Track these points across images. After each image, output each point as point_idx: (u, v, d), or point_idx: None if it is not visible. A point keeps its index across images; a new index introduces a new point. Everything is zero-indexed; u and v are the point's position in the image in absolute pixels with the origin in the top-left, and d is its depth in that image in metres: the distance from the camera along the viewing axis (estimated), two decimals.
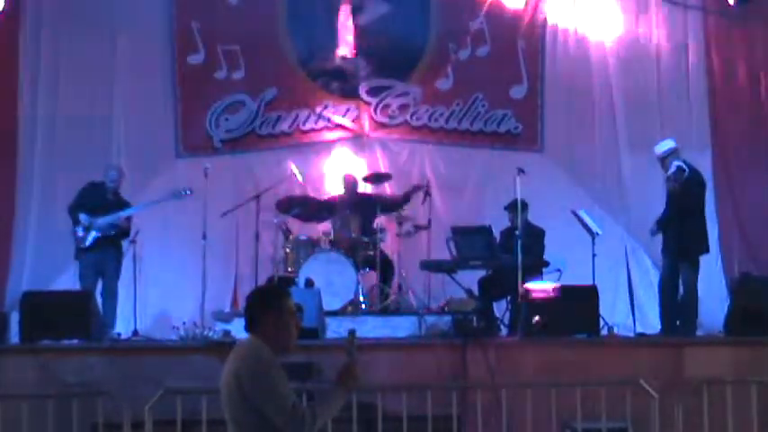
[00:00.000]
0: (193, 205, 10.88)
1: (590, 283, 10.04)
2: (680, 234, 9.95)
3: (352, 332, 4.79)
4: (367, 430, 7.49)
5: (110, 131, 12.16)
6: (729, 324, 9.83)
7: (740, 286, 10.50)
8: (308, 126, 12.54)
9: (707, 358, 8.99)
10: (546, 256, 10.81)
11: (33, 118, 11.94)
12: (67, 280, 11.22)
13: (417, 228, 11.51)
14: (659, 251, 10.43)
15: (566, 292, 9.89)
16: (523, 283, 9.91)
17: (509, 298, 10.62)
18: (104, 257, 10.53)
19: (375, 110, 12.59)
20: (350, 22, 12.56)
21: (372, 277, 11.22)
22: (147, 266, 11.21)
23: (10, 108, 11.81)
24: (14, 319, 9.76)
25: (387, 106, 12.60)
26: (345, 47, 12.56)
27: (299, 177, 11.56)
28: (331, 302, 10.38)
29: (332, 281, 10.61)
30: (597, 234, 10.83)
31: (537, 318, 9.24)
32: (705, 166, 11.25)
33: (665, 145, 10.30)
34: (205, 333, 9.50)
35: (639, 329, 10.76)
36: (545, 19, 12.57)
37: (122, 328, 10.58)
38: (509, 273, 10.17)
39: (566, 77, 12.53)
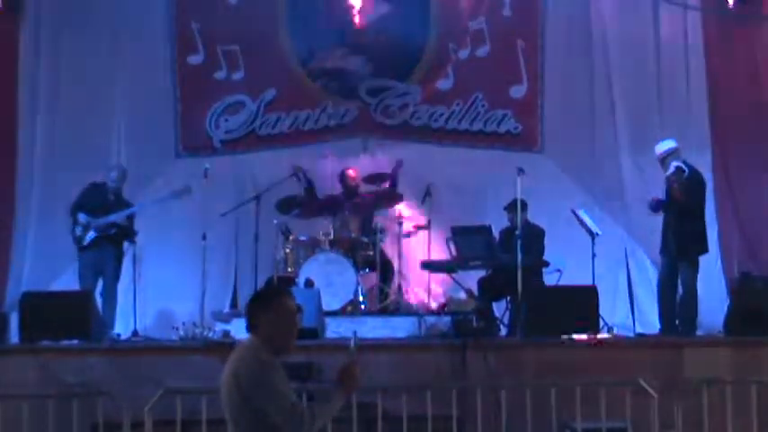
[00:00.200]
0: (193, 206, 10.88)
1: (590, 283, 10.05)
2: (679, 234, 9.95)
3: (355, 334, 4.81)
4: (367, 430, 7.49)
5: (109, 132, 12.16)
6: (729, 324, 9.83)
7: (740, 286, 10.51)
8: (308, 127, 12.55)
9: (707, 358, 8.99)
10: (546, 256, 10.81)
11: (33, 118, 11.94)
12: (67, 280, 11.21)
13: (417, 228, 11.51)
14: (658, 251, 10.43)
15: (565, 292, 9.92)
16: (523, 282, 9.92)
17: (509, 298, 10.62)
18: (103, 257, 10.54)
19: (375, 110, 12.59)
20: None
21: (372, 277, 11.23)
22: (147, 267, 11.20)
23: (10, 108, 11.81)
24: (14, 319, 9.77)
25: (387, 106, 12.60)
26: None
27: (299, 177, 11.54)
28: (331, 303, 10.39)
29: (332, 281, 10.62)
30: (597, 234, 10.83)
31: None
32: (705, 166, 11.25)
33: (666, 145, 10.30)
34: (205, 333, 9.50)
35: (639, 330, 10.76)
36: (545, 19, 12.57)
37: (122, 328, 10.59)
38: (509, 273, 10.17)
39: (566, 77, 12.52)
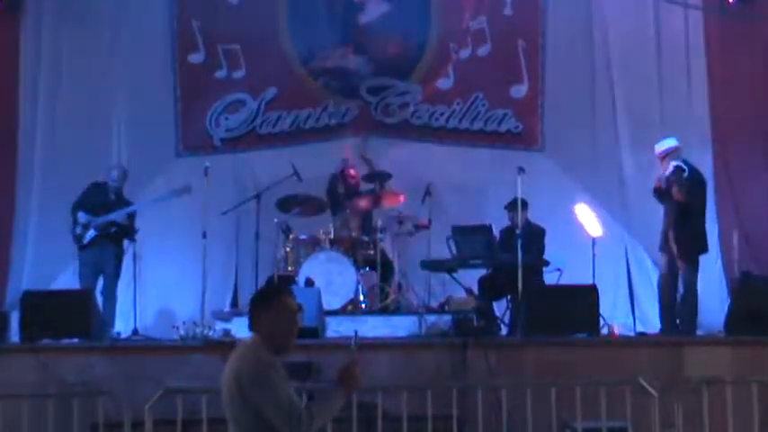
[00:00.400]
0: (193, 204, 10.86)
1: (590, 282, 10.04)
2: (680, 234, 9.94)
3: (356, 333, 4.81)
4: (367, 430, 7.48)
5: (110, 130, 12.18)
6: (730, 323, 9.83)
7: (740, 286, 10.50)
8: (309, 125, 12.55)
9: (707, 358, 8.99)
10: (546, 256, 10.80)
11: (34, 117, 11.96)
12: (67, 279, 11.23)
13: (417, 227, 11.51)
14: (658, 248, 10.43)
15: (566, 291, 9.92)
16: (524, 281, 9.92)
17: (509, 297, 10.62)
18: (103, 256, 10.54)
19: (375, 109, 12.60)
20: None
21: (372, 276, 11.22)
22: (147, 265, 11.19)
23: (10, 107, 11.82)
24: (15, 318, 9.77)
25: (387, 105, 12.61)
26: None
27: (299, 177, 11.54)
28: (331, 302, 10.38)
29: (332, 280, 10.61)
30: (598, 236, 10.82)
31: None
32: (705, 165, 11.25)
33: (667, 143, 10.29)
34: (205, 332, 9.48)
35: (639, 329, 10.77)
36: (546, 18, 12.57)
37: (122, 327, 10.59)
38: (509, 272, 10.17)
39: (566, 77, 12.52)
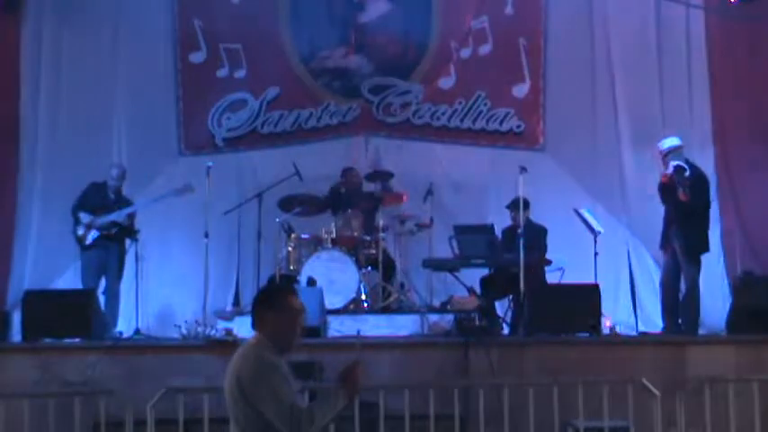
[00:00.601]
0: (195, 204, 10.87)
1: (592, 281, 10.04)
2: (683, 232, 9.93)
3: (359, 333, 4.82)
4: (369, 429, 7.48)
5: (111, 130, 12.17)
6: (732, 323, 9.83)
7: (742, 285, 10.49)
8: (310, 125, 12.55)
9: (709, 357, 9.00)
10: (548, 255, 10.80)
11: (35, 116, 11.95)
12: (69, 279, 11.24)
13: (419, 226, 11.50)
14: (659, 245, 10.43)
15: (567, 290, 9.91)
16: (526, 281, 9.92)
17: (511, 296, 10.61)
18: (106, 256, 10.56)
19: (377, 108, 12.59)
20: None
21: (374, 276, 11.21)
22: (149, 265, 11.18)
23: (11, 106, 11.80)
24: (16, 317, 9.78)
25: (389, 105, 12.60)
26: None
27: (300, 176, 11.54)
28: (333, 301, 10.38)
29: (334, 279, 10.60)
30: (599, 232, 10.82)
31: None
32: (707, 165, 11.23)
33: (669, 142, 10.27)
34: (207, 332, 9.49)
35: (642, 328, 10.77)
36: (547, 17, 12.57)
37: (124, 326, 10.60)
38: (511, 271, 10.16)
39: (568, 76, 12.51)
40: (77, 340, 9.25)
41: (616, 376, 7.93)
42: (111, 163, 11.15)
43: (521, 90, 12.62)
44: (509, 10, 12.64)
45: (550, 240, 10.87)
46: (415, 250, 11.59)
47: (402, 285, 11.35)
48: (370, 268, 11.21)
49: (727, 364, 8.80)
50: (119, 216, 10.54)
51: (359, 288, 10.77)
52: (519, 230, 10.48)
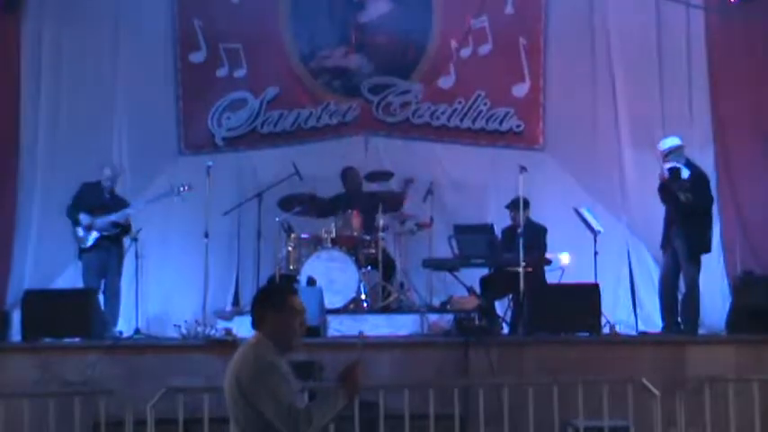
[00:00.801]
0: (195, 204, 10.87)
1: (592, 281, 10.04)
2: (684, 232, 9.93)
3: (361, 333, 4.82)
4: (369, 429, 7.49)
5: (111, 130, 12.16)
6: (731, 322, 9.84)
7: (742, 285, 10.49)
8: (310, 124, 12.55)
9: (709, 356, 9.01)
10: (548, 254, 10.80)
11: (35, 117, 11.94)
12: (69, 278, 11.24)
13: (419, 226, 11.50)
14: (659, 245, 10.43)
15: (567, 290, 9.92)
16: (525, 280, 9.92)
17: (511, 296, 10.62)
18: (107, 257, 10.57)
19: (377, 108, 12.59)
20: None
21: (374, 275, 11.22)
22: (149, 265, 11.19)
23: (12, 106, 11.80)
24: (16, 317, 9.79)
25: (388, 104, 12.59)
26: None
27: (300, 176, 11.54)
28: (333, 301, 10.38)
29: (334, 279, 10.60)
30: (599, 232, 10.82)
31: None
32: (707, 164, 11.23)
33: (669, 142, 10.28)
34: (207, 331, 9.50)
35: (641, 327, 10.77)
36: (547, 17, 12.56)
37: (124, 326, 10.60)
38: (511, 271, 10.16)
39: (568, 75, 12.51)
40: (77, 340, 9.26)
41: (616, 376, 7.93)
42: (103, 164, 11.09)
43: (521, 90, 12.61)
44: (509, 9, 12.63)
45: (550, 240, 10.88)
46: (415, 250, 11.59)
47: (402, 285, 11.36)
48: (369, 268, 11.21)
49: (726, 363, 8.80)
50: (119, 216, 10.54)
51: (359, 288, 10.78)
52: (519, 230, 10.49)
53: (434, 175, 12.08)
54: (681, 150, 10.18)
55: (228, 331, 9.52)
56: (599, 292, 9.54)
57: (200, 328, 9.57)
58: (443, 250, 11.13)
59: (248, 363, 4.46)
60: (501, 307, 10.96)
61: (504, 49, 12.60)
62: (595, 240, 10.72)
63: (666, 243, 10.15)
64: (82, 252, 10.57)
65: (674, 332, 9.86)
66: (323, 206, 11.58)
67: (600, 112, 12.44)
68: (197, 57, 12.50)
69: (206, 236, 10.49)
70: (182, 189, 10.69)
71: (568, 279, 10.57)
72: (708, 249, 10.16)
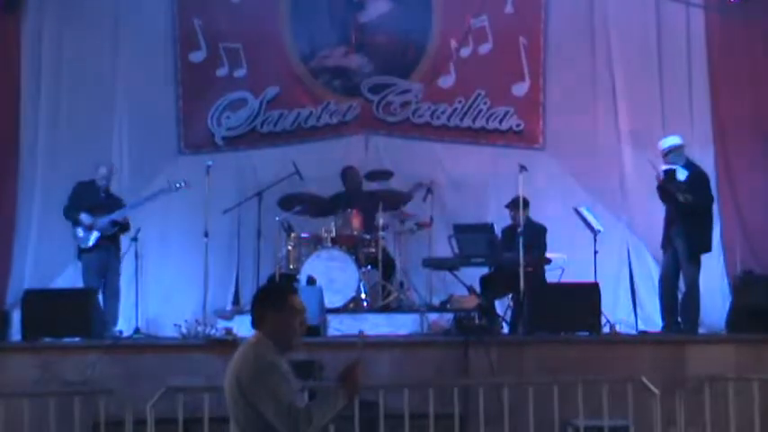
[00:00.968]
0: (195, 203, 10.88)
1: (592, 280, 10.04)
2: (684, 232, 9.93)
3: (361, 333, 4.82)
4: (368, 428, 7.48)
5: (111, 130, 12.17)
6: (731, 322, 9.84)
7: (742, 284, 10.50)
8: (310, 124, 12.55)
9: (709, 356, 9.00)
10: (548, 254, 10.80)
11: (35, 116, 11.95)
12: (69, 278, 11.24)
13: (419, 225, 11.50)
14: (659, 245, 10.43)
15: (567, 289, 9.91)
16: (525, 280, 9.92)
17: (511, 295, 10.62)
18: (107, 257, 10.56)
19: (377, 107, 12.59)
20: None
21: (374, 275, 11.22)
22: (149, 264, 11.21)
23: (12, 106, 11.80)
24: (16, 317, 9.78)
25: (388, 104, 12.59)
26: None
27: (300, 175, 11.54)
28: (333, 300, 10.39)
29: (334, 278, 10.60)
30: (599, 231, 10.83)
31: None
32: (707, 164, 11.23)
33: (670, 141, 10.28)
34: (207, 331, 9.49)
35: (641, 327, 10.77)
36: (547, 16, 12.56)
37: (124, 325, 10.60)
38: (511, 270, 10.17)
39: (568, 75, 12.50)
40: (77, 339, 9.25)
41: (616, 375, 7.93)
42: (98, 163, 11.06)
43: (520, 89, 12.62)
44: (509, 9, 12.63)
45: (550, 239, 10.88)
46: (415, 249, 11.60)
47: (402, 284, 11.36)
48: (369, 267, 11.22)
49: (726, 363, 8.80)
50: (119, 216, 10.54)
51: (358, 287, 10.78)
52: (519, 229, 10.49)
53: (434, 174, 12.08)
54: (681, 150, 10.19)
55: (228, 331, 9.52)
56: (599, 291, 9.54)
57: (200, 328, 9.56)
58: (443, 249, 11.14)
59: (248, 362, 4.46)
60: (501, 306, 10.96)
61: (504, 48, 12.61)
62: (595, 240, 10.72)
63: (666, 242, 10.16)
64: (81, 252, 10.56)
65: (674, 331, 9.87)
66: (323, 205, 11.59)
67: (600, 111, 12.44)
68: (197, 56, 12.50)
69: (206, 235, 10.48)
70: (178, 185, 10.69)
71: (568, 278, 10.56)
72: (708, 249, 10.17)
